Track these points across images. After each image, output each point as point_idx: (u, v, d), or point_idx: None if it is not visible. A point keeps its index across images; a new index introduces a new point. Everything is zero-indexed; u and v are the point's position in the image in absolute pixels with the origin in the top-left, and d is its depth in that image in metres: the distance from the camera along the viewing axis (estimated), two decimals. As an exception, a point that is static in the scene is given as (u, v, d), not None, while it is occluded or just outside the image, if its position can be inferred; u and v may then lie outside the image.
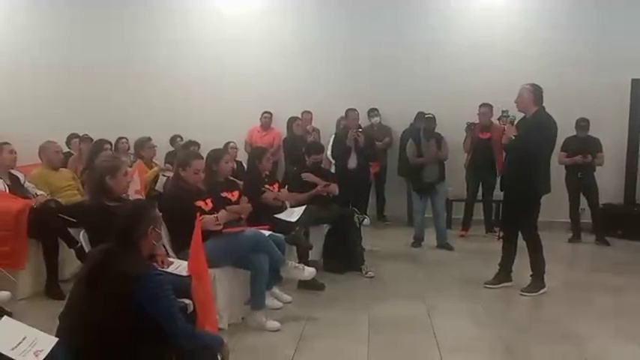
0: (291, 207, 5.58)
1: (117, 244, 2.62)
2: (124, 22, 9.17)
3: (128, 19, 9.16)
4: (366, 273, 5.68)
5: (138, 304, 2.44)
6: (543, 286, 5.12)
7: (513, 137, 4.97)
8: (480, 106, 7.51)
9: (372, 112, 8.55)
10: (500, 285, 5.27)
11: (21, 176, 5.26)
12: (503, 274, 5.31)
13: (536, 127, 4.91)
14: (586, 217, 7.73)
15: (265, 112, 8.78)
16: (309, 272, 4.54)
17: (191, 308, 2.92)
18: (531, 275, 5.16)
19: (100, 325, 2.42)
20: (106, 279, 2.48)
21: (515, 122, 5.09)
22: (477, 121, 7.65)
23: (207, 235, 3.79)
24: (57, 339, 2.36)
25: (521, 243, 5.24)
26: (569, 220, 7.69)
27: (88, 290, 2.51)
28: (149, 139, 6.73)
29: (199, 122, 8.62)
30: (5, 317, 2.55)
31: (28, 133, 6.62)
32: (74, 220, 4.87)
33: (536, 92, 4.97)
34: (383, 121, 8.67)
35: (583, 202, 7.65)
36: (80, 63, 9.04)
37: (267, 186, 5.47)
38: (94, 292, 2.48)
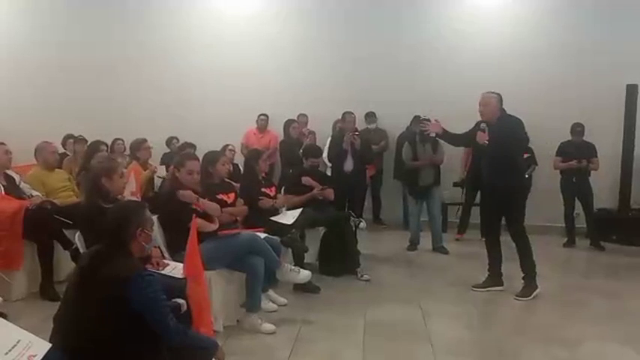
0: (287, 210, 5.58)
1: (107, 246, 2.61)
2: (122, 23, 9.19)
3: (127, 20, 9.18)
4: (362, 276, 5.68)
5: (128, 306, 2.43)
6: (536, 287, 5.13)
7: (486, 142, 5.03)
8: None
9: (370, 117, 8.55)
10: (487, 289, 5.30)
11: (16, 177, 5.25)
12: (493, 279, 5.34)
13: (508, 130, 5.00)
14: (581, 222, 7.75)
15: (262, 115, 8.79)
16: (304, 275, 4.55)
17: (185, 308, 2.91)
18: (523, 278, 5.17)
19: (93, 328, 2.41)
20: (96, 282, 2.47)
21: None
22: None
23: (202, 237, 3.80)
24: (50, 344, 2.34)
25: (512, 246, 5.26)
26: (563, 225, 7.71)
27: (80, 293, 2.51)
28: (145, 140, 6.70)
29: (196, 124, 8.64)
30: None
31: (27, 131, 6.61)
32: (70, 222, 4.87)
33: (500, 99, 5.12)
34: (379, 124, 8.68)
35: (578, 206, 7.66)
36: (78, 64, 9.04)
37: (263, 189, 5.47)
38: (85, 295, 2.48)
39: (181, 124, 8.60)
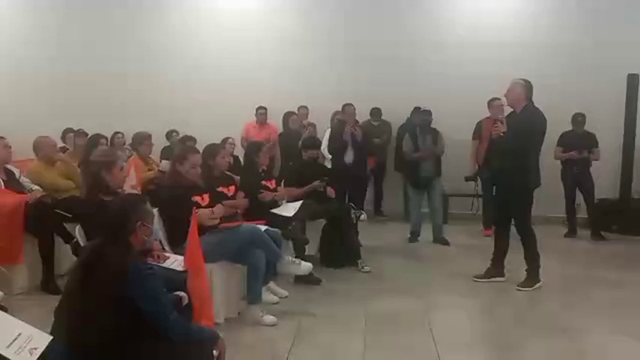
0: (288, 202, 5.58)
1: (107, 240, 2.61)
2: (122, 20, 9.18)
3: (126, 17, 9.17)
4: (363, 268, 5.69)
5: (129, 300, 2.43)
6: (539, 281, 5.13)
7: (502, 134, 4.98)
8: (491, 100, 7.05)
9: (375, 114, 8.50)
10: (489, 280, 5.30)
11: (16, 171, 5.24)
12: (495, 269, 5.34)
13: (527, 121, 4.93)
14: (582, 212, 7.74)
15: (260, 108, 8.76)
16: (305, 267, 4.54)
17: (186, 301, 2.91)
18: (526, 270, 5.17)
19: (94, 322, 2.41)
20: (97, 276, 2.46)
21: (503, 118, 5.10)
22: (488, 117, 7.19)
23: (203, 230, 3.80)
24: (51, 337, 2.34)
25: (516, 238, 5.24)
26: (564, 215, 7.71)
27: (81, 287, 2.50)
28: (150, 136, 6.64)
29: (196, 118, 8.61)
30: (0, 313, 2.54)
31: (27, 131, 6.57)
32: (70, 215, 4.87)
33: (528, 87, 4.99)
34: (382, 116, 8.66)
35: (579, 197, 7.65)
36: (79, 61, 9.02)
37: (263, 182, 5.46)
38: (85, 289, 2.47)
39: (182, 122, 8.56)
